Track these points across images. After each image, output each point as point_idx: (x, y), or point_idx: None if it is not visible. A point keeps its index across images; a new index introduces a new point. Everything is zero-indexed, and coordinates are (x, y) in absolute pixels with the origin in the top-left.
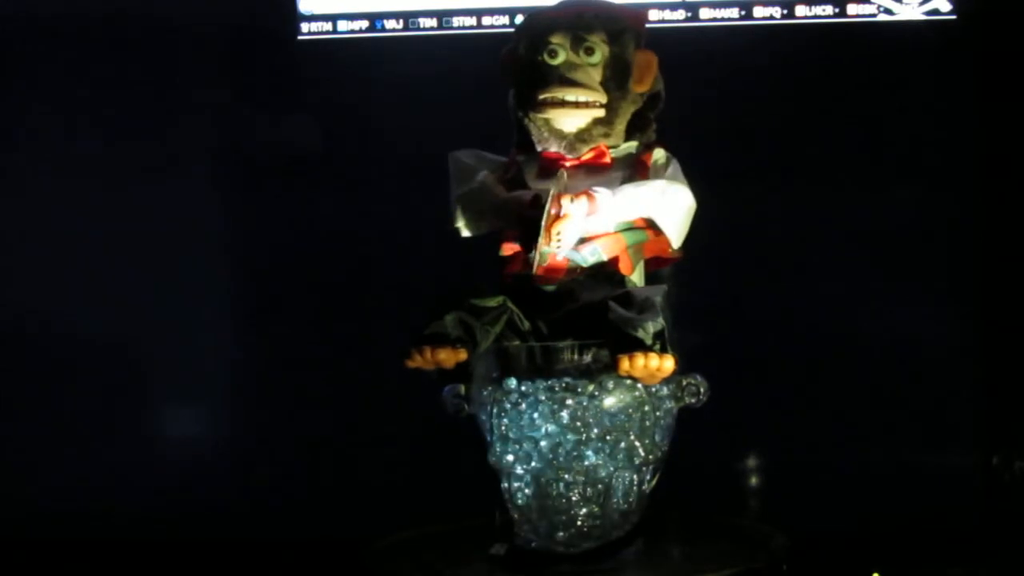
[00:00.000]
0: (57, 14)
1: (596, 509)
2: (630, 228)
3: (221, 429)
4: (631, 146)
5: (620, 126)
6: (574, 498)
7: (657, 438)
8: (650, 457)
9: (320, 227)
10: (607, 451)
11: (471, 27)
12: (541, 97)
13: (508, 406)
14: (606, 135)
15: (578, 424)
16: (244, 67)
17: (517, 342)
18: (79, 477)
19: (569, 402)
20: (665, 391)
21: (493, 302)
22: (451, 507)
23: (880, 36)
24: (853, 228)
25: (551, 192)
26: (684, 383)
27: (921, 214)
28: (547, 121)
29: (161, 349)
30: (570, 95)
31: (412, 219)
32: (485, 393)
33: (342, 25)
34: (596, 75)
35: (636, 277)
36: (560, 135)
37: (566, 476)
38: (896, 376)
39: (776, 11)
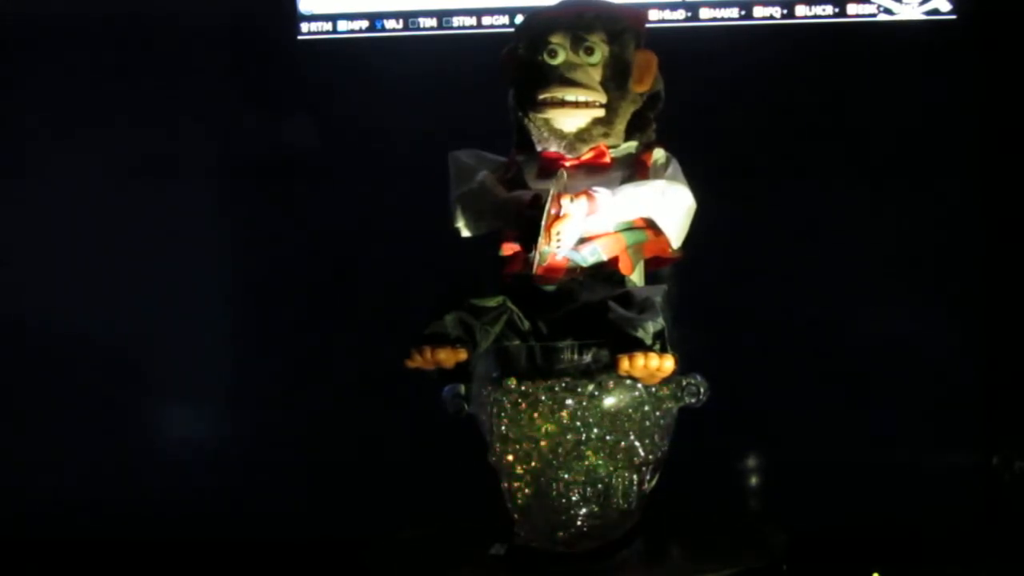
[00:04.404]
0: (57, 14)
1: (596, 509)
2: (630, 228)
3: (221, 429)
4: (631, 146)
5: (620, 126)
6: (574, 498)
7: (657, 438)
8: (650, 457)
9: (320, 227)
10: (607, 451)
11: (471, 27)
12: (541, 97)
13: (508, 406)
14: (606, 135)
15: (578, 424)
16: (244, 67)
17: (517, 342)
18: (79, 477)
19: (569, 402)
20: (665, 391)
21: (493, 302)
22: (451, 507)
23: (880, 36)
24: (853, 228)
25: (551, 192)
26: (684, 383)
27: (921, 214)
28: (547, 121)
29: (161, 349)
30: (570, 95)
31: (412, 219)
32: (485, 393)
33: (342, 25)
34: (596, 75)
35: (636, 277)
36: (560, 135)
37: (566, 476)
38: (897, 377)
39: (776, 11)
